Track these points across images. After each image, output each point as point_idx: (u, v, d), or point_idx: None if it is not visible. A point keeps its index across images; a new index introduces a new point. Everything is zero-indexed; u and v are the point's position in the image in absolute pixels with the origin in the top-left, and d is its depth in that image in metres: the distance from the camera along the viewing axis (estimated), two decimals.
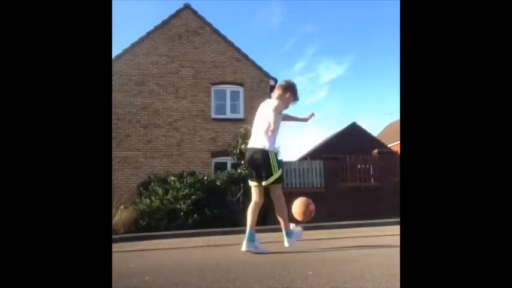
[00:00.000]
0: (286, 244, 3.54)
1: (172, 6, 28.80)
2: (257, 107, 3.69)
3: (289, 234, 3.54)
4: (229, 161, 11.27)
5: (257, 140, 3.48)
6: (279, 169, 3.45)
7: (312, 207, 3.64)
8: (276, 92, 3.67)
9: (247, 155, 3.58)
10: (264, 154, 3.38)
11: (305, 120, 3.84)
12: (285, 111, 3.68)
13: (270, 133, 3.32)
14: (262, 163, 3.41)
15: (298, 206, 3.67)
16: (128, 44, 12.14)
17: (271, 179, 3.43)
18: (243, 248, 3.40)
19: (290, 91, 3.60)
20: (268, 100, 3.75)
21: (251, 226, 3.48)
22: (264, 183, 3.48)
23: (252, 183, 3.59)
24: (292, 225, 3.63)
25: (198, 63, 12.13)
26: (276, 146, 3.52)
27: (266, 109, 3.50)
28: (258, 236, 3.54)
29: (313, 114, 3.83)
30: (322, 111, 54.57)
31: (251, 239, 3.40)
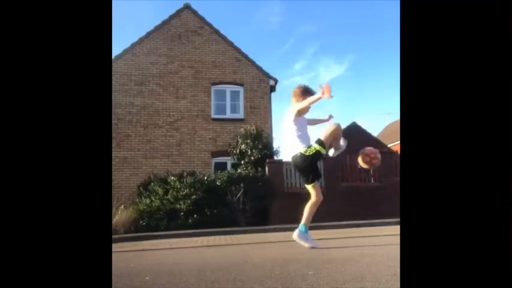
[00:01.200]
0: (294, 235, 3.60)
1: (172, 6, 28.81)
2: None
3: (304, 230, 3.60)
4: (229, 161, 11.27)
5: (293, 147, 3.67)
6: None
7: (375, 160, 3.75)
8: (292, 100, 3.79)
9: (292, 164, 3.83)
10: (302, 158, 3.58)
11: (325, 120, 3.99)
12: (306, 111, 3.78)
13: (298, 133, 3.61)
14: (302, 166, 3.64)
15: (363, 156, 3.78)
16: (128, 44, 12.15)
17: (310, 182, 3.63)
18: (294, 236, 3.60)
19: (303, 96, 3.70)
20: (288, 110, 3.84)
21: (306, 220, 3.62)
22: (306, 185, 3.70)
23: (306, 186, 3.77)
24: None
25: (198, 63, 12.13)
26: (309, 143, 3.64)
27: (287, 118, 3.72)
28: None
29: (331, 116, 3.96)
30: (322, 111, 54.50)
31: (303, 231, 3.58)
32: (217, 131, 11.77)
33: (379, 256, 2.83)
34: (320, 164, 3.78)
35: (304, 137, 3.63)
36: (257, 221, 8.50)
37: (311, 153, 3.52)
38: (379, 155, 3.76)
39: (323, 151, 3.56)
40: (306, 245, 3.53)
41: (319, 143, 3.54)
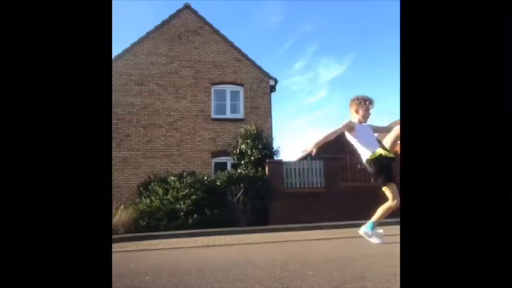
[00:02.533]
0: (361, 231, 3.72)
1: (172, 6, 28.79)
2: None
3: (371, 227, 3.70)
4: (229, 161, 11.27)
5: (362, 155, 3.78)
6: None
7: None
8: (350, 111, 3.90)
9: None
10: (368, 163, 3.70)
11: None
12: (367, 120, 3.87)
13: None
14: (372, 171, 3.72)
15: None
16: (128, 44, 12.15)
17: (383, 184, 3.67)
18: (360, 230, 3.73)
19: (357, 107, 3.82)
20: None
21: (376, 219, 3.71)
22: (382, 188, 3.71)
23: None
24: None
25: (198, 63, 12.12)
26: (374, 148, 3.68)
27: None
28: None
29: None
30: (322, 111, 54.43)
31: (371, 228, 3.69)
32: (217, 131, 11.76)
33: (379, 256, 2.83)
34: (392, 166, 3.76)
35: (366, 144, 3.71)
36: (257, 221, 8.50)
37: (374, 157, 3.62)
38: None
39: (387, 153, 3.61)
40: (374, 241, 3.63)
41: (382, 147, 3.65)
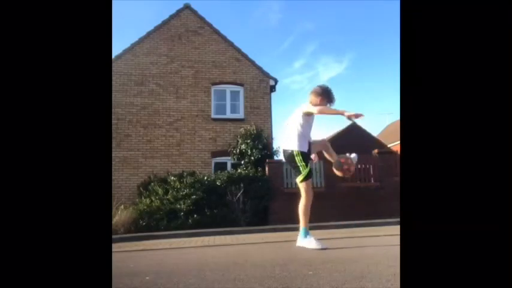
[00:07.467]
0: (298, 243, 3.60)
1: (172, 6, 28.81)
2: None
3: (305, 233, 3.56)
4: (229, 161, 11.28)
5: (287, 142, 3.74)
6: (306, 167, 3.61)
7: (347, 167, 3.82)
8: (310, 97, 3.76)
9: (285, 158, 3.91)
10: (291, 155, 3.66)
11: (342, 114, 3.42)
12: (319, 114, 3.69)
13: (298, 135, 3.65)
14: (291, 164, 3.72)
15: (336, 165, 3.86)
16: (128, 44, 12.16)
17: (300, 177, 3.63)
18: (298, 243, 3.60)
19: (321, 96, 3.70)
20: (302, 104, 3.77)
21: (304, 224, 3.60)
22: (297, 181, 3.70)
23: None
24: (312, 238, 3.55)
25: (198, 63, 12.13)
26: (304, 146, 3.67)
27: (297, 113, 3.68)
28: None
29: (358, 116, 3.40)
30: None
31: (304, 235, 3.56)
32: (217, 131, 11.76)
33: (379, 256, 2.83)
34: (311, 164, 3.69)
35: (302, 138, 3.65)
36: (257, 221, 8.50)
37: (298, 156, 3.62)
38: (352, 168, 3.86)
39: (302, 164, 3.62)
40: (314, 246, 3.42)
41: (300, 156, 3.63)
